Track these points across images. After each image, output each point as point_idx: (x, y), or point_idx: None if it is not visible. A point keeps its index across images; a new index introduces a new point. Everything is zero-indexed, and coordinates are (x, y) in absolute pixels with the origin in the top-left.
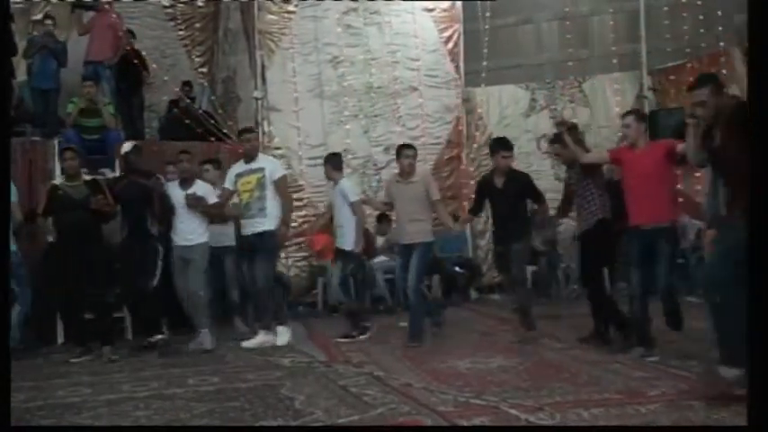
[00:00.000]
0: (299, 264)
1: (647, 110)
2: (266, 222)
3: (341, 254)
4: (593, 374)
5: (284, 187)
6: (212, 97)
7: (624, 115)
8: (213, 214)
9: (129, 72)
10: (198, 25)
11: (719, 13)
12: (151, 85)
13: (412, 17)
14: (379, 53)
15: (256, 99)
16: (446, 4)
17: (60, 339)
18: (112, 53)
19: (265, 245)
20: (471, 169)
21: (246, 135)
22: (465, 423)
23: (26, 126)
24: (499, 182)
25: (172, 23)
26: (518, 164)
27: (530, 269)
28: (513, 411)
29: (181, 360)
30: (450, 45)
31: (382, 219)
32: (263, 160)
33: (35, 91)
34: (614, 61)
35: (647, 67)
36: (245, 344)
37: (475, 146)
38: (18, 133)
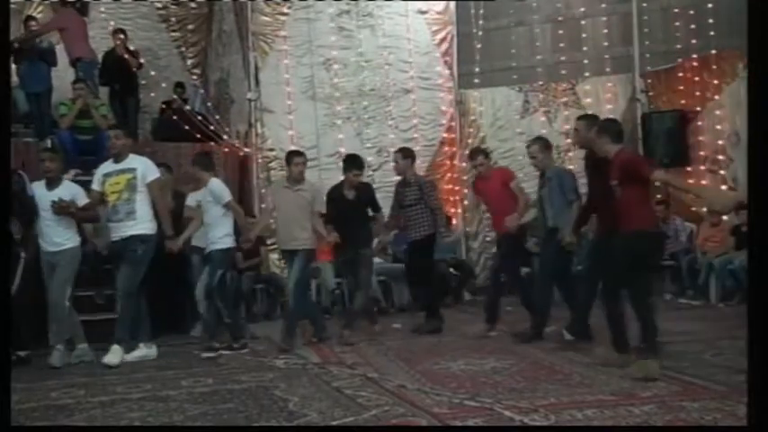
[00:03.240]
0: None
1: (639, 113)
2: (135, 226)
3: (211, 255)
4: (586, 375)
5: (158, 190)
6: (206, 98)
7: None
8: (83, 218)
9: (123, 73)
10: (191, 27)
11: (711, 16)
12: (144, 85)
13: (405, 20)
14: (371, 55)
15: (250, 100)
16: (440, 7)
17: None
18: (90, 52)
19: (133, 251)
20: (465, 172)
21: (115, 132)
22: (459, 424)
23: (18, 127)
24: (350, 194)
25: (165, 25)
26: (511, 166)
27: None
28: (507, 413)
29: (174, 362)
30: (444, 47)
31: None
32: (134, 160)
33: (29, 95)
34: (607, 64)
35: (640, 69)
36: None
37: (468, 148)
38: None
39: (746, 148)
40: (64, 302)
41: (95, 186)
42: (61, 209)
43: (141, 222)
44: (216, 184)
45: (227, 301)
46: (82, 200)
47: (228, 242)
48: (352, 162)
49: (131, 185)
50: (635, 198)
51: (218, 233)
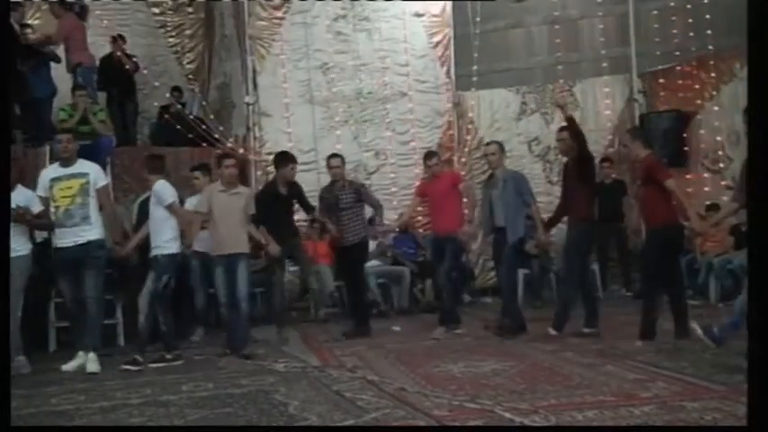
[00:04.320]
0: (291, 269)
1: (636, 113)
2: (92, 231)
3: (157, 260)
4: (585, 376)
5: (107, 196)
6: (203, 103)
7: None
8: (37, 225)
9: (120, 78)
10: (188, 32)
11: (708, 16)
12: (142, 91)
13: (401, 23)
14: (368, 59)
15: (248, 104)
16: (436, 10)
17: (53, 346)
18: (89, 58)
19: (92, 257)
20: (463, 173)
21: (67, 135)
22: (459, 425)
23: (16, 133)
24: (283, 190)
25: (162, 30)
26: (510, 166)
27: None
28: (507, 414)
29: (174, 366)
30: (441, 50)
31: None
32: (85, 165)
33: (33, 100)
34: (604, 65)
35: (637, 70)
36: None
37: (466, 150)
38: None
39: (746, 148)
40: (18, 312)
41: (41, 192)
42: (19, 216)
43: (95, 227)
44: (160, 186)
45: (165, 308)
46: (36, 206)
47: (174, 247)
48: (285, 157)
49: (85, 190)
50: (656, 196)
51: (164, 237)
